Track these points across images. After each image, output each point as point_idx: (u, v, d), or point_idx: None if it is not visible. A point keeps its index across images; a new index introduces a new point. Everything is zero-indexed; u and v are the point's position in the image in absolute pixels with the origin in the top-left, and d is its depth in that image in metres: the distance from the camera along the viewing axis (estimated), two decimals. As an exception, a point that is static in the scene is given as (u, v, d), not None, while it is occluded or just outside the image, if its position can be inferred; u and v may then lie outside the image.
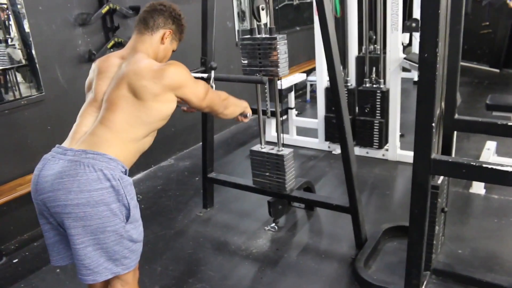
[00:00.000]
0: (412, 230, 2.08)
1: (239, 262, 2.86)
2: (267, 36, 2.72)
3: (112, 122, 1.75)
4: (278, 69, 2.70)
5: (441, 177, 2.25)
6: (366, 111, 4.16)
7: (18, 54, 3.54)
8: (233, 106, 2.20)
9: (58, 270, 2.90)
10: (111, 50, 3.85)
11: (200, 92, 1.93)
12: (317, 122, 4.56)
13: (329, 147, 4.54)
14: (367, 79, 4.23)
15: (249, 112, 2.35)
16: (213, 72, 2.56)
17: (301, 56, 6.87)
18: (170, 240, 3.16)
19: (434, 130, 1.86)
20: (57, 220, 1.71)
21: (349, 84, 4.37)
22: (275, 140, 3.07)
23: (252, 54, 2.76)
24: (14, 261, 3.10)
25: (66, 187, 1.62)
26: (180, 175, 4.28)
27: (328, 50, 2.53)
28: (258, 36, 2.76)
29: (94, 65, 1.97)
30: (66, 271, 2.87)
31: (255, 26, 2.79)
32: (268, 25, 2.74)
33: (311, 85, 6.49)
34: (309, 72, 6.41)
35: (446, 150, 2.48)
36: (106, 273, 1.73)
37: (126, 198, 1.70)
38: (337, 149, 4.46)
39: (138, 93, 1.76)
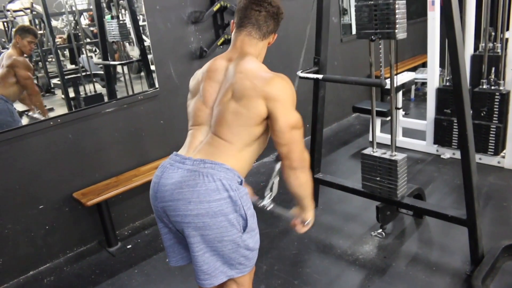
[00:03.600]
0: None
1: (345, 267, 2.80)
2: None
3: (224, 132, 1.71)
4: (396, 30, 2.50)
5: None
6: (482, 114, 3.88)
7: (136, 51, 3.74)
8: (310, 179, 1.82)
9: (167, 260, 3.02)
10: (221, 47, 3.94)
11: (291, 119, 1.68)
12: (425, 124, 4.33)
13: (437, 150, 4.30)
14: (484, 80, 3.93)
15: (309, 219, 1.91)
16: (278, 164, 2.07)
17: (406, 53, 6.59)
18: (275, 238, 3.17)
19: None
20: (177, 227, 1.74)
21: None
22: (381, 141, 2.95)
23: (368, 15, 2.59)
24: (128, 246, 3.29)
25: (186, 198, 1.64)
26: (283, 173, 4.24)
27: (453, 51, 2.37)
28: None
29: (203, 69, 1.89)
30: (176, 262, 2.97)
31: None
32: None
33: (416, 83, 6.20)
34: (413, 69, 6.14)
35: None
36: (222, 276, 1.75)
37: (243, 208, 1.68)
38: (446, 153, 4.22)
39: (240, 96, 1.69)
